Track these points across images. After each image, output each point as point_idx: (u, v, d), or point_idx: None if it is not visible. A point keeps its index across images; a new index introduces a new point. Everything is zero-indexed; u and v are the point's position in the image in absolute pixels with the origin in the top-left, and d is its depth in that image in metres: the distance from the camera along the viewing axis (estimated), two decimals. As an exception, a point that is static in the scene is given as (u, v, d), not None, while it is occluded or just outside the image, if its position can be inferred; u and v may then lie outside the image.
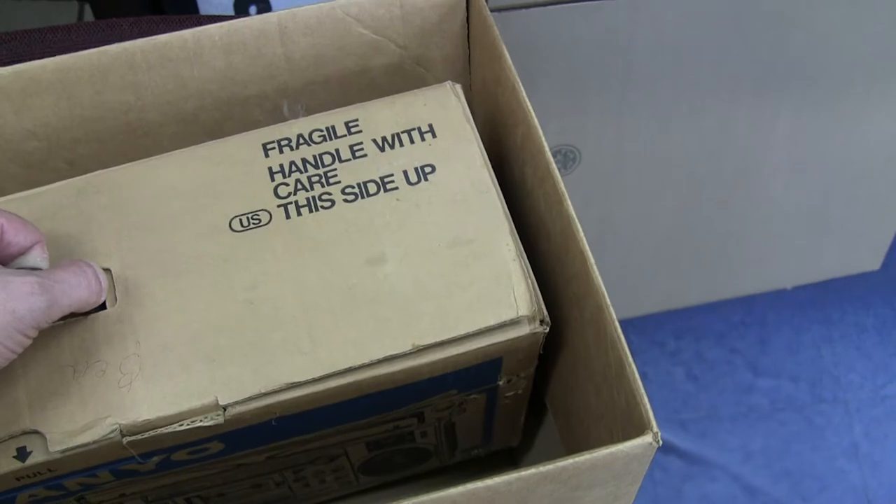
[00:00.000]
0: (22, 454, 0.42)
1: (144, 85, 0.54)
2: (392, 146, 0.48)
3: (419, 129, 0.48)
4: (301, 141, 0.49)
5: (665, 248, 1.14)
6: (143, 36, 0.53)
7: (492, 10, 0.56)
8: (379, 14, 0.55)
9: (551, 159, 0.47)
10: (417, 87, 0.59)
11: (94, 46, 0.53)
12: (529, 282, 0.44)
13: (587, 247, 0.44)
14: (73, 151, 0.56)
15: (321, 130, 0.49)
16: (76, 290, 0.42)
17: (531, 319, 0.44)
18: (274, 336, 0.44)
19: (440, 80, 0.60)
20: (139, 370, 0.43)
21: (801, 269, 1.25)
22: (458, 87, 0.50)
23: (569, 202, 0.46)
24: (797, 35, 0.89)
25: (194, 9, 1.13)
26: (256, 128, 0.58)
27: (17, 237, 0.43)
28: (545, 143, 0.48)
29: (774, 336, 1.28)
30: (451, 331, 0.43)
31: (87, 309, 0.44)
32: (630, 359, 0.41)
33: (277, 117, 0.58)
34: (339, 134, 0.49)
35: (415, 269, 0.45)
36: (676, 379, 1.25)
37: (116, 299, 0.45)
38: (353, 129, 0.49)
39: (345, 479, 0.62)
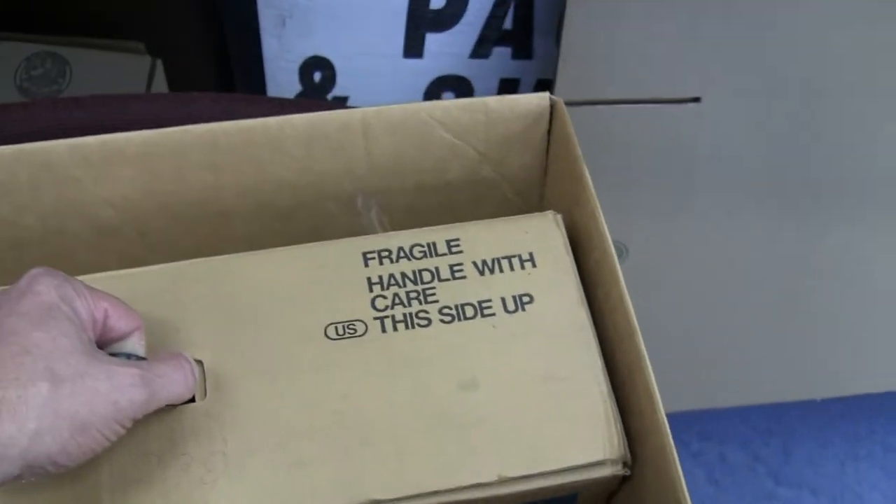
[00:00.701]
0: (98, 538, 0.43)
1: (223, 166, 0.55)
2: (492, 271, 0.49)
3: (519, 256, 0.49)
4: (401, 254, 0.49)
5: (698, 349, 1.14)
6: (223, 112, 0.53)
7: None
8: (463, 119, 0.55)
9: (625, 291, 0.47)
10: (491, 191, 0.60)
11: (175, 117, 0.53)
12: (618, 426, 0.45)
13: (655, 387, 0.44)
14: (146, 223, 0.56)
15: (422, 246, 0.50)
16: (175, 386, 0.43)
17: (615, 462, 0.44)
18: (361, 450, 0.44)
19: (515, 188, 0.60)
20: (224, 468, 0.44)
21: (833, 381, 1.24)
22: (560, 217, 0.51)
23: (640, 337, 0.45)
24: (854, 152, 0.90)
25: (261, 71, 1.16)
26: (329, 217, 0.57)
27: (119, 323, 0.44)
28: (620, 273, 0.48)
29: (799, 446, 1.27)
30: (538, 465, 0.44)
31: (180, 402, 0.45)
32: None
33: (350, 209, 0.59)
34: (439, 252, 0.49)
35: (506, 399, 0.45)
36: (697, 481, 1.24)
37: (206, 393, 0.46)
38: (454, 249, 0.50)
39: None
